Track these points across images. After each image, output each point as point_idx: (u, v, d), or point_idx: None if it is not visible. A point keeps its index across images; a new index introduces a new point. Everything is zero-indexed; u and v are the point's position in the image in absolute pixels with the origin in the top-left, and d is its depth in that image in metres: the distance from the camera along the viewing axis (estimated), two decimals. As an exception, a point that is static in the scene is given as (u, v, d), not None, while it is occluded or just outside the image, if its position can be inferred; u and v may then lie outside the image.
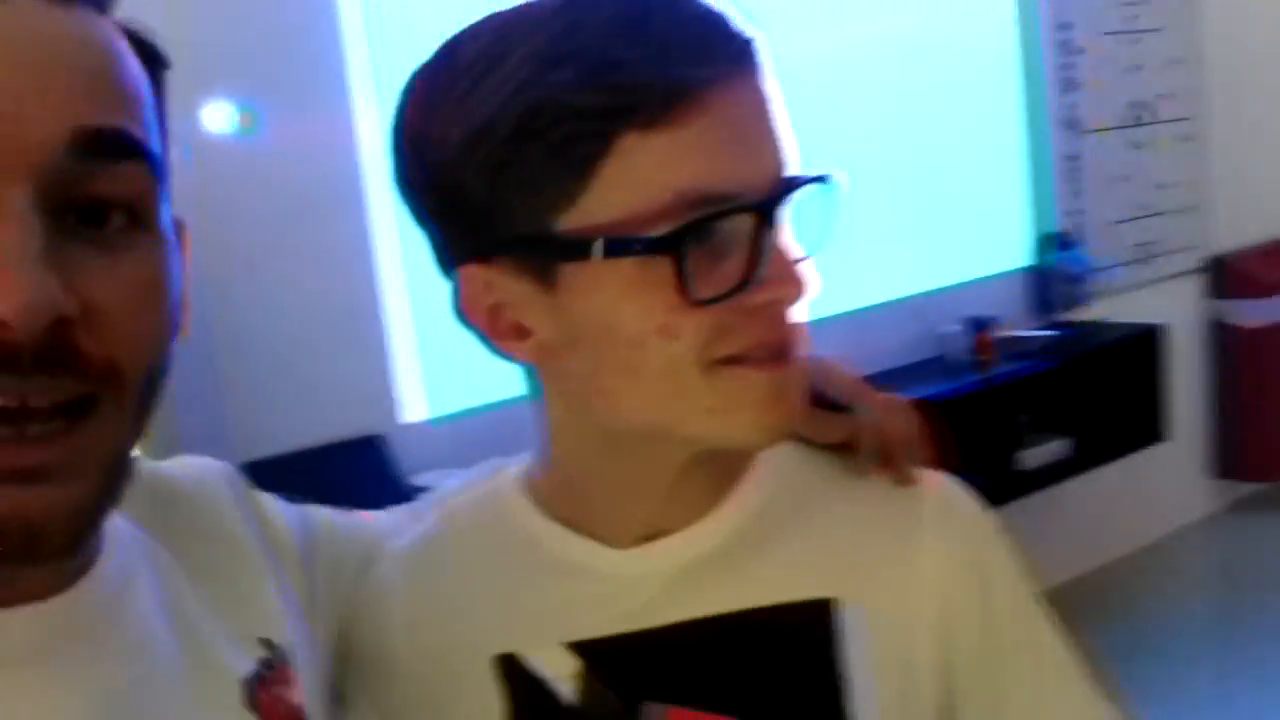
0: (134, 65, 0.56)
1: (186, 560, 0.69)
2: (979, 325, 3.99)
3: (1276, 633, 3.98)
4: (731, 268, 0.67)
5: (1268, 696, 3.60)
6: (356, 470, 2.64)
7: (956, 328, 3.92)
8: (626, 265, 0.67)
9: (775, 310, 0.70)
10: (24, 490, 0.51)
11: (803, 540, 0.80)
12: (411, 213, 0.76)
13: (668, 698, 0.77)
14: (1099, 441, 4.07)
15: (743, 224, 0.67)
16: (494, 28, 0.70)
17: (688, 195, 0.66)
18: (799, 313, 0.72)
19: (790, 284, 0.69)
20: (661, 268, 0.66)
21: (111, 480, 0.56)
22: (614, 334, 0.69)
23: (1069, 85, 4.46)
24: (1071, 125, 4.48)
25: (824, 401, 0.82)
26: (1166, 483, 4.89)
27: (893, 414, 0.84)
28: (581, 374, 0.72)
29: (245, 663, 0.69)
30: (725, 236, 0.67)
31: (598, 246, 0.66)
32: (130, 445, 0.57)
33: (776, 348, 0.71)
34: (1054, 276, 4.36)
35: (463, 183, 0.69)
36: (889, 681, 0.78)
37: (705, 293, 0.67)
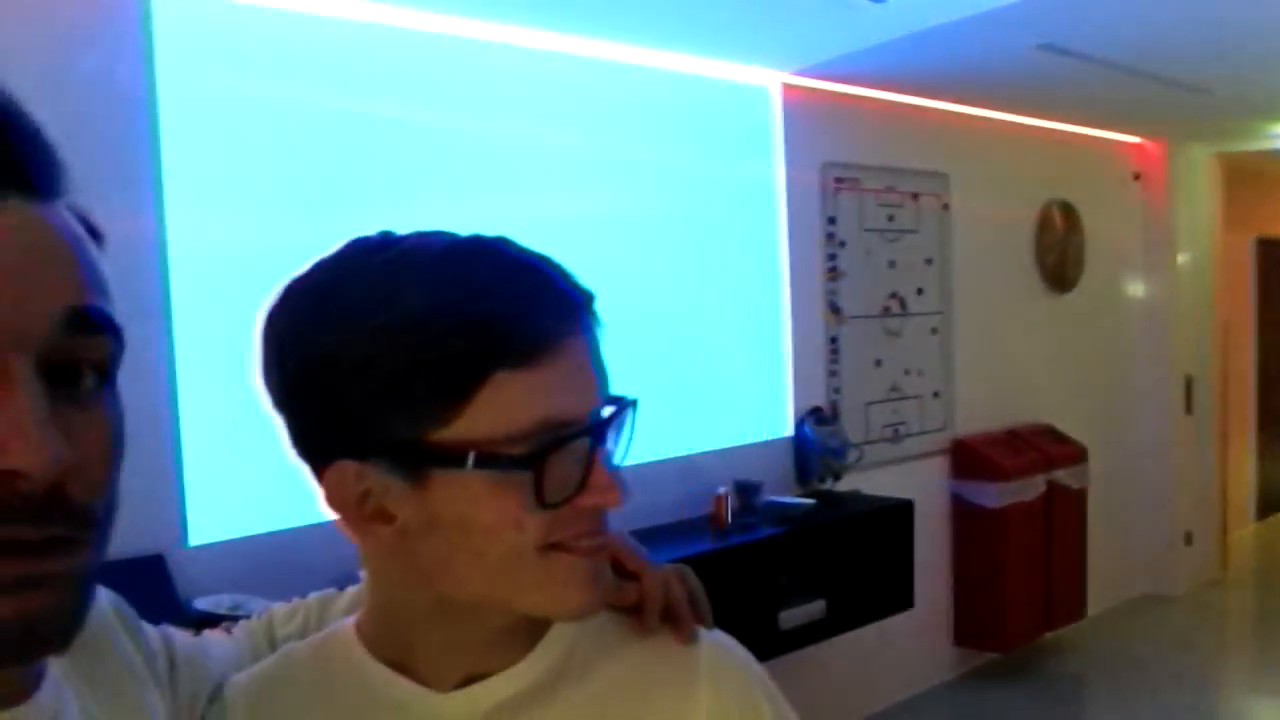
0: (92, 246, 0.68)
1: (91, 678, 0.78)
2: (744, 489, 4.24)
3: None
4: (569, 476, 0.81)
5: None
6: (136, 590, 2.59)
7: (725, 489, 4.15)
8: (490, 473, 0.80)
9: (599, 511, 0.85)
10: (24, 597, 0.60)
11: (594, 689, 0.91)
12: (278, 407, 0.86)
13: None
14: (852, 605, 4.31)
15: (581, 443, 0.82)
16: (378, 269, 0.82)
17: (546, 421, 0.80)
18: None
19: (611, 492, 0.83)
20: (518, 476, 0.80)
21: (89, 592, 0.66)
22: (469, 524, 0.81)
23: (833, 274, 4.86)
24: (834, 310, 4.87)
25: (618, 570, 0.96)
26: (913, 648, 5.19)
27: (674, 581, 0.99)
28: (433, 553, 0.84)
29: None
30: (566, 452, 0.81)
31: (470, 459, 0.79)
32: (97, 567, 0.67)
33: (597, 540, 0.85)
34: (814, 448, 4.66)
35: (349, 397, 0.80)
36: None
37: (552, 498, 0.81)
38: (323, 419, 0.83)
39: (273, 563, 3.07)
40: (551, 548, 0.83)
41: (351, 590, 1.01)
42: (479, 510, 0.81)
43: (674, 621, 0.95)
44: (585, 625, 0.94)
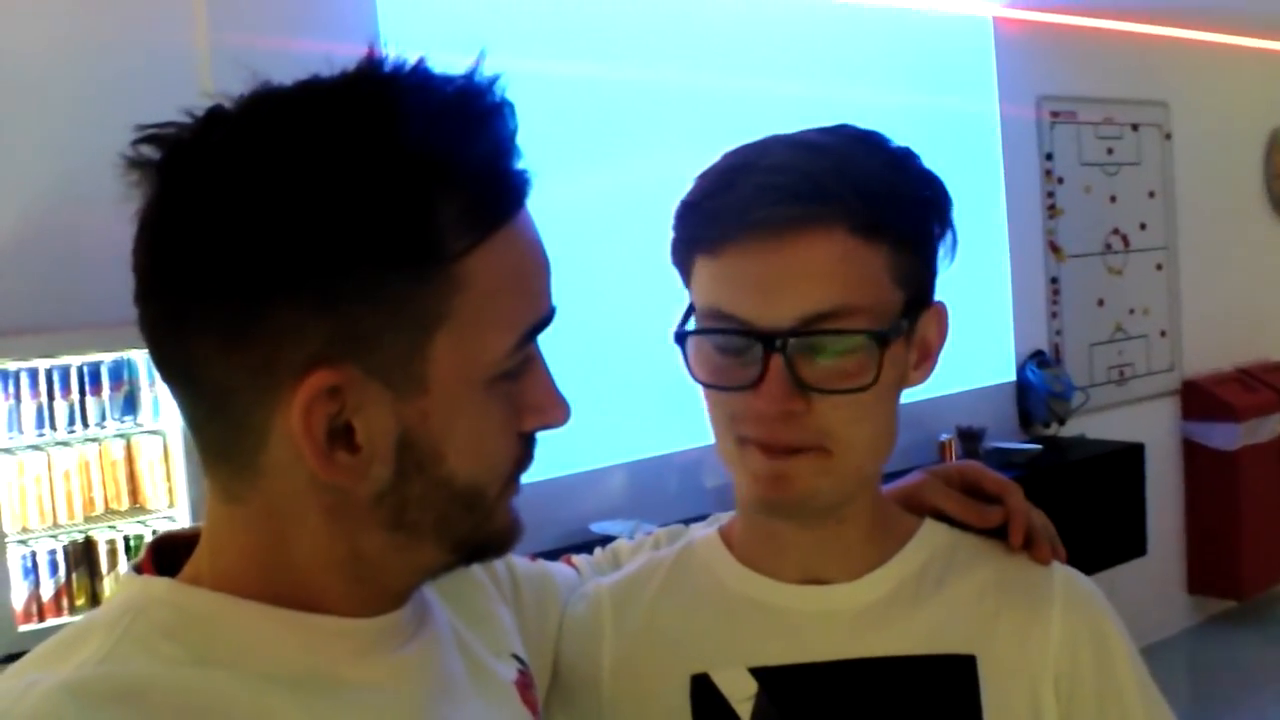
0: None
1: (447, 592, 0.84)
2: (968, 435, 4.16)
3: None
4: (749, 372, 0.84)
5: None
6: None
7: (948, 435, 4.08)
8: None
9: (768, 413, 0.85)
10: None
11: (950, 602, 0.93)
12: None
13: None
14: (1082, 553, 4.13)
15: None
16: None
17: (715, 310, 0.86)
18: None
19: (772, 400, 0.84)
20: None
21: None
22: None
23: (1052, 212, 4.71)
24: (1054, 249, 4.72)
25: (979, 492, 1.00)
26: (1146, 597, 5.02)
27: (1033, 510, 1.00)
28: None
29: (509, 671, 0.86)
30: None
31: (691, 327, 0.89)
32: None
33: (767, 440, 0.86)
34: (1037, 393, 4.54)
35: None
36: None
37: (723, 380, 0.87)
38: None
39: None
40: (739, 441, 0.88)
41: (699, 525, 1.05)
42: None
43: (1033, 544, 0.96)
44: (940, 543, 0.96)
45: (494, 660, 0.84)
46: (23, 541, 2.56)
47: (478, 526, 0.71)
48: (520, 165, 0.68)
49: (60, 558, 2.59)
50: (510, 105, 0.67)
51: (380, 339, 0.64)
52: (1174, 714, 0.98)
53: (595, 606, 0.98)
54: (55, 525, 2.60)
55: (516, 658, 0.88)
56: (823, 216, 0.82)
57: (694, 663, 0.93)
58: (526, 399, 0.71)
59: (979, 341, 4.49)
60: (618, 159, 3.34)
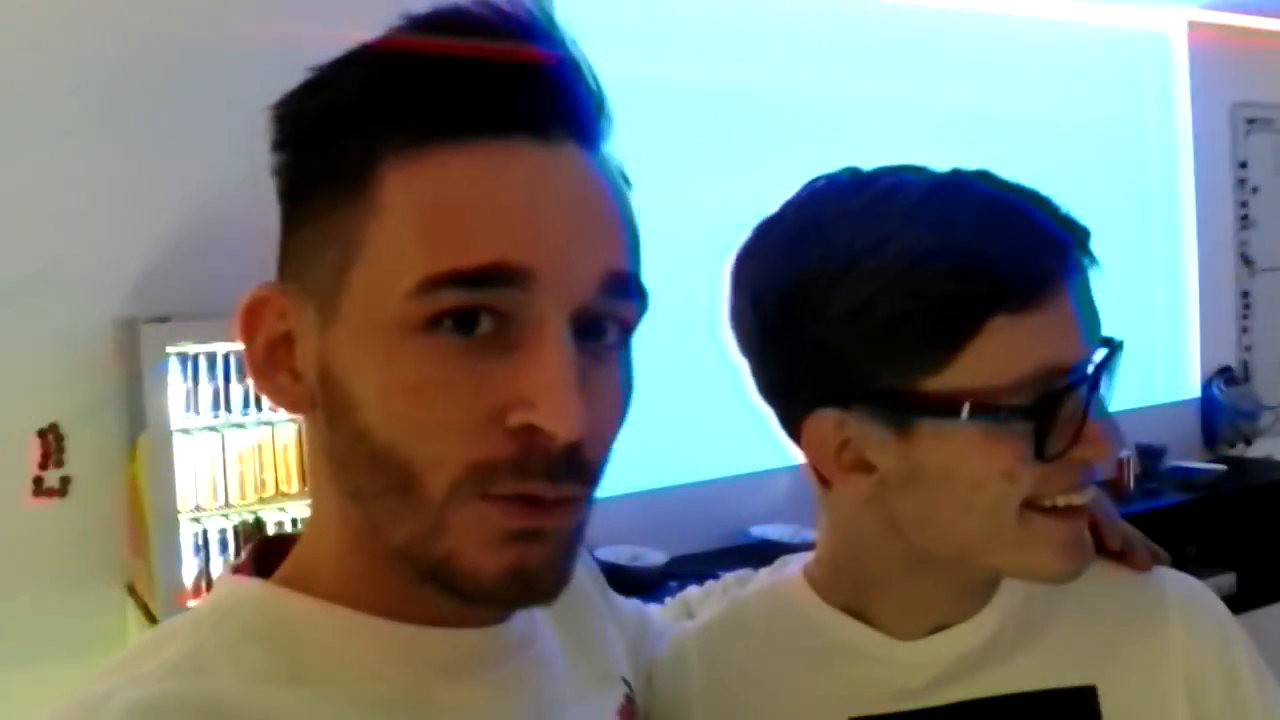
0: (629, 202, 0.66)
1: (558, 610, 0.78)
2: (1148, 453, 3.98)
3: None
4: (1066, 426, 0.76)
5: None
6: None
7: (1127, 453, 3.92)
8: (983, 423, 0.76)
9: (1088, 465, 0.79)
10: (524, 549, 0.61)
11: (1062, 632, 0.87)
12: (749, 352, 0.85)
13: None
14: (1266, 578, 3.99)
15: (1078, 391, 0.77)
16: (861, 211, 0.79)
17: (1045, 368, 0.76)
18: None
19: (1105, 444, 0.78)
20: (1015, 427, 0.76)
21: (579, 546, 0.67)
22: (956, 476, 0.78)
23: (1245, 222, 4.47)
24: (1245, 262, 4.48)
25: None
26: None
27: (1128, 526, 0.93)
28: (912, 506, 0.81)
29: (616, 693, 0.80)
30: (1065, 401, 0.77)
31: (965, 409, 0.76)
32: (587, 522, 0.67)
33: (1084, 496, 0.79)
34: (1222, 411, 4.32)
35: (835, 342, 0.78)
36: None
37: (1052, 450, 0.76)
38: (803, 365, 0.81)
39: (670, 516, 3.17)
40: (1030, 506, 0.79)
41: (765, 571, 1.00)
42: (968, 462, 0.78)
43: (1129, 552, 0.90)
44: None
45: (598, 687, 0.79)
46: (195, 520, 2.66)
47: (426, 533, 0.60)
48: (503, 92, 0.59)
49: (230, 536, 2.69)
50: (495, 30, 0.59)
51: (315, 260, 0.61)
52: None
53: (682, 652, 0.93)
54: (227, 505, 2.70)
55: (625, 681, 0.83)
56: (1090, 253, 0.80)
57: (791, 713, 0.89)
58: (517, 385, 0.58)
59: (1161, 356, 4.31)
60: (789, 169, 3.30)
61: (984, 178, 0.81)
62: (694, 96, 3.30)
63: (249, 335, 0.62)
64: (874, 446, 0.80)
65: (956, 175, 0.81)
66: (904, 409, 0.78)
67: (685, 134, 3.29)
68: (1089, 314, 0.80)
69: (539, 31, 0.60)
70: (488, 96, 0.58)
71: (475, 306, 0.58)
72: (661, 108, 3.21)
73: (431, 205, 0.58)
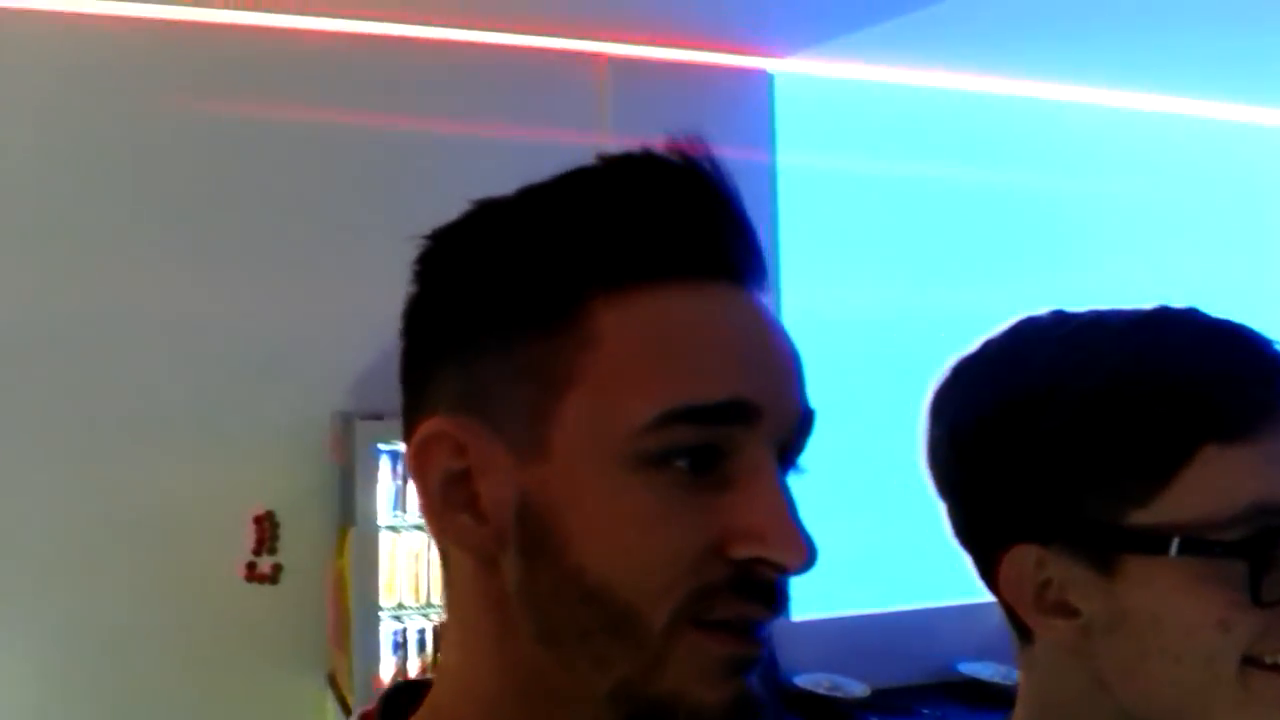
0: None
1: None
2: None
3: None
4: None
5: None
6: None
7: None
8: (1194, 562, 0.71)
9: None
10: (745, 676, 0.59)
11: None
12: (945, 487, 0.82)
13: None
14: None
15: None
16: (1067, 337, 0.77)
17: (1260, 504, 0.70)
18: None
19: None
20: (1230, 567, 0.70)
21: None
22: (1164, 621, 0.72)
23: None
24: None
25: None
26: None
27: None
28: (1117, 655, 0.75)
29: None
30: None
31: (1174, 545, 0.71)
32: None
33: None
34: None
35: (1036, 475, 0.75)
36: None
37: (1270, 594, 0.69)
38: (1003, 499, 0.77)
39: (871, 645, 3.05)
40: (1251, 662, 0.71)
41: None
42: (1178, 605, 0.72)
43: None
44: None
45: None
46: (396, 617, 2.69)
47: (644, 670, 0.58)
48: (711, 237, 0.61)
49: (429, 636, 2.70)
50: (696, 177, 0.61)
51: (506, 394, 0.60)
52: None
53: None
54: (428, 604, 2.72)
55: None
56: None
57: None
58: (737, 517, 0.58)
59: None
60: (1018, 272, 3.23)
61: (1194, 311, 0.77)
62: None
63: (422, 473, 0.61)
64: (1077, 587, 0.75)
65: (1164, 309, 0.77)
66: (1109, 544, 0.73)
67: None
68: None
69: (722, 175, 0.62)
70: (698, 241, 0.60)
71: (709, 442, 0.58)
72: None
73: (658, 340, 0.59)
